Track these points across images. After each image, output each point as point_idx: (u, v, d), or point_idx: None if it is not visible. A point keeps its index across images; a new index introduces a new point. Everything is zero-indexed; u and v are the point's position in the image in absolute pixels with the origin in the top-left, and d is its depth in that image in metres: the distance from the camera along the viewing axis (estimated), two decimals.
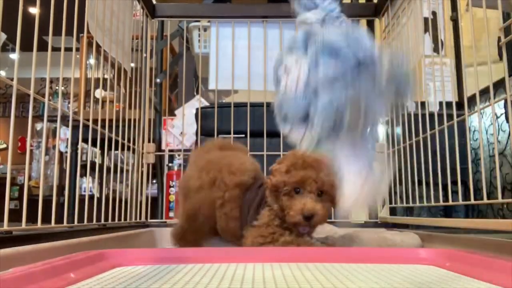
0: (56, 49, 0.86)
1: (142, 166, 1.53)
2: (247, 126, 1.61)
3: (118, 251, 0.72)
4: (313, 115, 0.43)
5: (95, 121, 1.18)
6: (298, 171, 0.90)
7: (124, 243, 1.14)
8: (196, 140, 1.70)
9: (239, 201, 0.99)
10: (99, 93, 3.07)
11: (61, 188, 2.27)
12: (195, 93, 2.31)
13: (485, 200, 1.00)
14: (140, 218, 1.46)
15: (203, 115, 1.69)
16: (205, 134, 1.72)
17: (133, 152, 1.48)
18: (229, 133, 1.60)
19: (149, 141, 1.58)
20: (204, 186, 1.01)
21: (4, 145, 6.65)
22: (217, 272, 0.63)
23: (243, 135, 1.66)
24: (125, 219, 1.33)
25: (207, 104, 2.09)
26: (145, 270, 0.65)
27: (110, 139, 1.25)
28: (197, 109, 1.72)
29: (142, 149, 1.54)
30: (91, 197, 1.11)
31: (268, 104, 1.63)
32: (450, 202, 1.13)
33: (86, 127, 1.09)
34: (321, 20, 0.51)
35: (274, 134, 1.61)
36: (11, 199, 0.79)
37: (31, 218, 0.85)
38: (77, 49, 2.48)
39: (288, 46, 0.48)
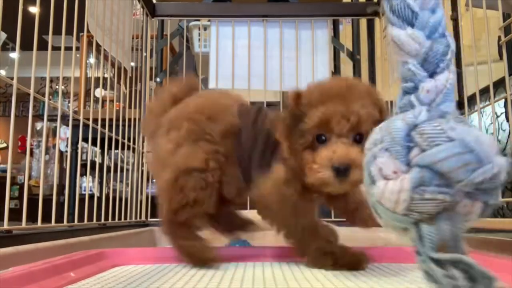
0: (56, 48, 0.86)
1: (142, 166, 1.53)
2: None
3: (118, 250, 0.72)
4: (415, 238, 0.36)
5: (95, 121, 1.18)
6: (318, 108, 0.60)
7: (124, 242, 1.14)
8: None
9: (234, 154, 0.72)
10: (99, 92, 3.07)
11: (61, 187, 2.27)
12: None
13: None
14: (140, 218, 1.46)
15: None
16: None
17: (133, 151, 1.48)
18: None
19: None
20: (182, 144, 0.72)
21: (4, 144, 6.65)
22: (218, 271, 0.63)
23: None
24: (125, 218, 1.33)
25: None
26: (145, 269, 0.65)
27: (110, 138, 1.25)
28: None
29: (142, 148, 1.54)
30: (91, 196, 1.11)
31: (268, 104, 1.63)
32: None
33: (86, 126, 1.09)
34: (421, 60, 0.39)
35: None
36: (11, 198, 0.80)
37: (31, 217, 0.85)
38: (77, 48, 2.49)
39: (381, 136, 0.38)
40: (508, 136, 1.89)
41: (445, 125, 0.36)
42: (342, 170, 0.56)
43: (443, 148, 0.35)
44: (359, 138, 0.59)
